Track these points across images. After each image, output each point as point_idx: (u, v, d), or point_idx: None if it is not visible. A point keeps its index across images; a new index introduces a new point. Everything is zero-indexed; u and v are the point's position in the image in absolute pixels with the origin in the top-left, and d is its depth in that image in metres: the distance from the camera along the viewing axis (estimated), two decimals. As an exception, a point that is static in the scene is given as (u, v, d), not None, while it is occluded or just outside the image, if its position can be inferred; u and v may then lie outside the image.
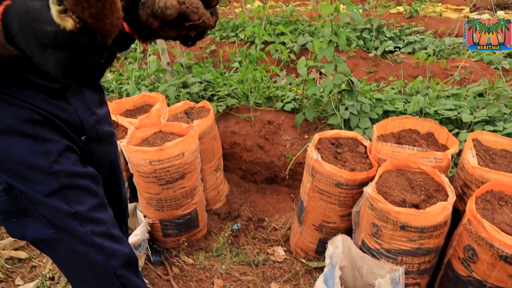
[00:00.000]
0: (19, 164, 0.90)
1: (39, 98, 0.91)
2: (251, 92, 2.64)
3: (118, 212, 1.27)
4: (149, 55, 3.11)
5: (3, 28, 0.58)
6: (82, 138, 1.05)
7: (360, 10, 4.75)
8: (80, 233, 0.99)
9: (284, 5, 6.12)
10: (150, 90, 3.03)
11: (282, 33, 3.92)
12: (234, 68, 3.29)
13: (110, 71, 4.15)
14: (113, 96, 3.46)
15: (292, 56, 3.80)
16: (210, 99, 2.80)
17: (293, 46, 3.81)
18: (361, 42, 3.89)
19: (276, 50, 3.75)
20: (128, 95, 3.07)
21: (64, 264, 1.08)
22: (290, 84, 2.89)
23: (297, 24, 4.13)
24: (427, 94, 2.28)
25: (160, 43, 2.97)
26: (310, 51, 3.68)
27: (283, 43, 3.89)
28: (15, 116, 0.87)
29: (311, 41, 3.82)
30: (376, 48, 3.88)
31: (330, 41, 2.32)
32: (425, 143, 1.85)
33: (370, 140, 2.18)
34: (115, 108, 2.49)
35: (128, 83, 3.21)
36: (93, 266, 1.04)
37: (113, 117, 2.33)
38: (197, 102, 2.76)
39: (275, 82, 3.71)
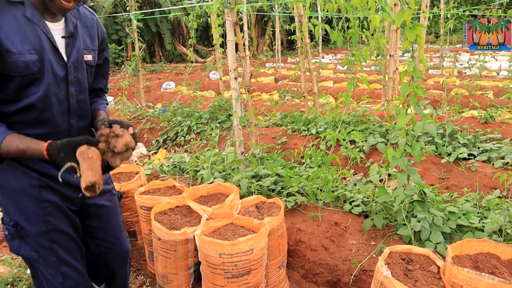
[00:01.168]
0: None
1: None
2: (320, 190, 2.70)
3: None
4: (227, 146, 3.35)
5: (48, 155, 1.32)
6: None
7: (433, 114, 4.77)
8: (52, 261, 1.54)
9: (355, 102, 6.35)
10: (223, 177, 3.21)
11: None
12: (305, 164, 3.40)
13: (187, 153, 4.48)
14: (187, 177, 3.70)
15: (362, 155, 3.86)
16: (279, 193, 2.89)
17: (363, 146, 3.89)
18: (433, 147, 3.86)
19: (346, 148, 3.84)
20: (202, 179, 3.27)
21: (36, 279, 1.64)
22: (355, 184, 2.90)
23: (368, 123, 4.24)
24: (507, 214, 2.18)
25: (238, 135, 3.20)
26: (380, 152, 3.71)
27: (353, 141, 3.99)
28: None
29: (381, 142, 3.89)
30: (449, 154, 3.81)
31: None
32: (507, 272, 1.74)
33: (443, 258, 2.09)
34: (191, 193, 2.67)
35: (203, 168, 3.44)
36: (54, 284, 1.57)
37: (188, 203, 2.49)
38: (268, 195, 2.87)
39: (343, 179, 3.76)
